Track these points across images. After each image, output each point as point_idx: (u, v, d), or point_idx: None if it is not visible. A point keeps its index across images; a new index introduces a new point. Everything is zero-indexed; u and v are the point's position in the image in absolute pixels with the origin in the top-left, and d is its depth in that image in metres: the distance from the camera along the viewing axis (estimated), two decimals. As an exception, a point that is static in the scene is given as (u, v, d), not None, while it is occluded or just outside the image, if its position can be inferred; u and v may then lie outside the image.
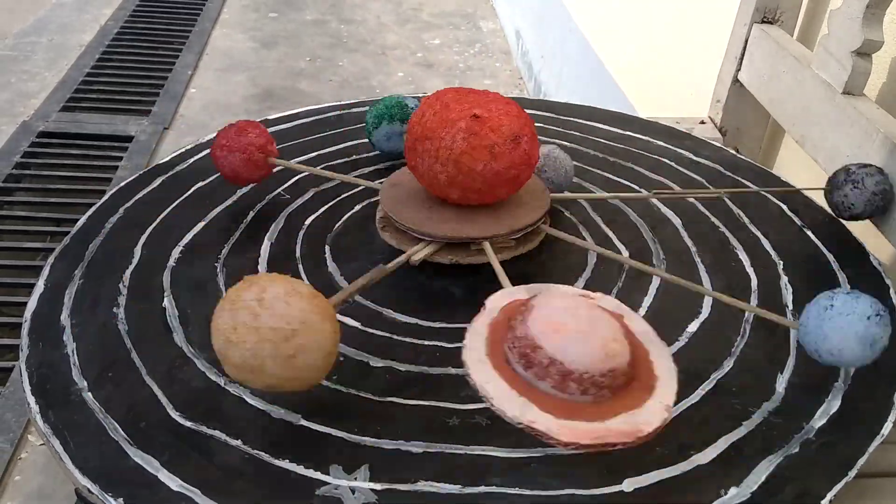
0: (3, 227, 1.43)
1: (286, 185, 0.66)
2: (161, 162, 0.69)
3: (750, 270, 0.59)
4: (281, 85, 2.09)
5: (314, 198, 0.65)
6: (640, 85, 1.37)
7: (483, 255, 0.53)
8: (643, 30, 1.38)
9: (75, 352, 0.48)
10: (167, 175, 0.67)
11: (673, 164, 0.73)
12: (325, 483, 0.41)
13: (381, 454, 0.42)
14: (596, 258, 0.59)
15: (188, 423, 0.44)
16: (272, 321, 0.39)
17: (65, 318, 0.51)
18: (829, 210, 0.66)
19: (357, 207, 0.64)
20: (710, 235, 0.62)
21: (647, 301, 0.55)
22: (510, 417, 0.37)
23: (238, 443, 0.43)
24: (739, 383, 0.48)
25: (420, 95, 0.72)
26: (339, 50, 2.33)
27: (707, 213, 0.65)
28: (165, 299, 0.53)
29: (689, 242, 0.61)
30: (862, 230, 0.66)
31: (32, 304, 0.53)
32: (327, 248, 0.59)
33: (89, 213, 0.62)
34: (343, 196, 0.65)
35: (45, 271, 0.55)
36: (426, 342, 0.50)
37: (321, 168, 0.66)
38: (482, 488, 0.41)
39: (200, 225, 0.61)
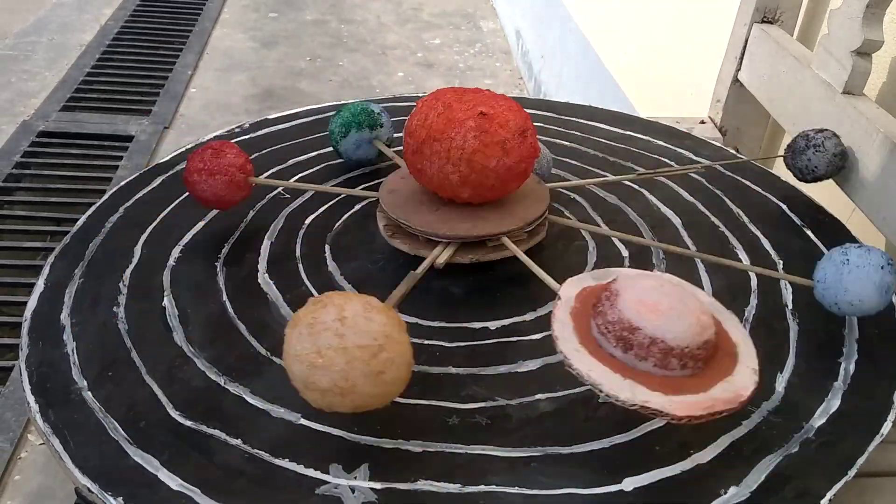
0: (4, 227, 1.43)
1: (286, 185, 0.66)
2: (161, 161, 0.69)
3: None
4: (281, 85, 2.09)
5: (314, 197, 0.65)
6: (640, 85, 1.37)
7: (500, 252, 0.54)
8: (643, 30, 1.38)
9: (75, 351, 0.48)
10: (167, 174, 0.67)
11: (673, 163, 0.73)
12: (325, 482, 0.41)
13: (381, 453, 0.42)
14: (597, 257, 0.59)
15: (188, 423, 0.44)
16: (359, 339, 0.38)
17: (65, 317, 0.51)
18: (822, 206, 0.67)
19: (357, 207, 0.64)
20: (710, 235, 0.62)
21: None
22: (623, 400, 0.37)
23: (238, 442, 0.43)
24: (739, 383, 0.48)
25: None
26: (339, 50, 2.34)
27: (707, 212, 0.65)
28: (165, 299, 0.53)
29: (689, 242, 0.61)
30: (861, 228, 0.66)
31: (32, 303, 0.53)
32: (327, 247, 0.59)
33: (89, 212, 0.62)
34: (343, 196, 0.65)
35: (46, 270, 0.55)
36: (426, 342, 0.50)
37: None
38: (482, 487, 0.41)
39: (200, 224, 0.61)
